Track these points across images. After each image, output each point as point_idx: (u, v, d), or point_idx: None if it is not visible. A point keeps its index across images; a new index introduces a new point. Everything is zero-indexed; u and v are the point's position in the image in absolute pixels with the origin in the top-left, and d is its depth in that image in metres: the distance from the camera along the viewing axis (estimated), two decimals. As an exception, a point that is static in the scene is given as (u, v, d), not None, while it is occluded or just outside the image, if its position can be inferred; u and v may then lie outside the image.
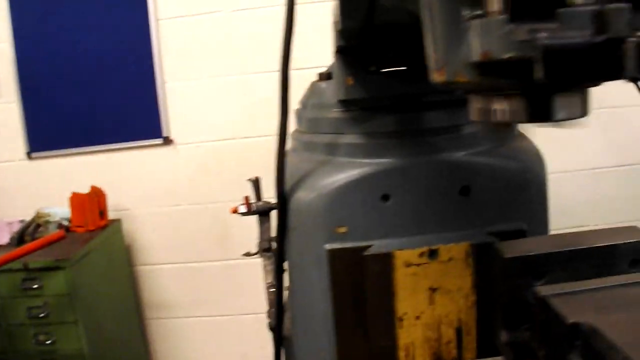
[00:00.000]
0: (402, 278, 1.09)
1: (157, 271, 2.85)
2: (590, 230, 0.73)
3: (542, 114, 0.51)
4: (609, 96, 2.49)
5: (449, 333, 1.13)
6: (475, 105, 0.57)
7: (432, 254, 1.08)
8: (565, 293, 0.57)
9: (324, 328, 1.17)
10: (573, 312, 0.51)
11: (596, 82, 0.48)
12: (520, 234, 1.12)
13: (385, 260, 1.08)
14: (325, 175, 1.12)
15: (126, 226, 2.79)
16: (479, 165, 1.08)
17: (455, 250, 1.08)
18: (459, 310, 1.11)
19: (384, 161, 1.09)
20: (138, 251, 2.84)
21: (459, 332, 1.13)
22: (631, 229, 0.72)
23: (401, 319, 1.11)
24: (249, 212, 1.46)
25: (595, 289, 0.57)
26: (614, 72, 0.44)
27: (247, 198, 1.45)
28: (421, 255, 1.08)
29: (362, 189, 1.09)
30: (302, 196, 1.14)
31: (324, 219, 1.11)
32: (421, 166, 1.08)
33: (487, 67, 0.49)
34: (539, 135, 2.56)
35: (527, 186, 1.12)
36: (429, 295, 1.10)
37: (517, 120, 0.53)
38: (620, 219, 2.65)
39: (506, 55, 0.46)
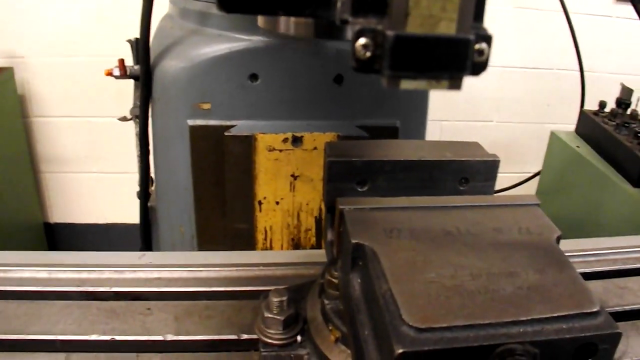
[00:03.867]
0: (264, 162, 1.06)
1: (53, 124, 2.71)
2: (430, 142, 0.71)
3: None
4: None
5: (308, 221, 1.13)
6: None
7: (296, 140, 1.05)
8: (371, 208, 0.54)
9: (185, 204, 1.15)
10: (362, 231, 0.49)
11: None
12: (392, 131, 1.10)
13: (247, 143, 1.04)
14: (193, 47, 1.04)
15: (20, 75, 2.60)
16: (354, 54, 1.02)
17: (320, 139, 1.05)
18: (320, 199, 1.11)
19: (255, 38, 1.01)
20: (32, 102, 2.67)
21: (318, 221, 1.13)
22: (473, 145, 0.70)
23: (260, 203, 1.10)
24: (124, 76, 1.36)
25: (401, 207, 0.55)
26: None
27: (121, 61, 1.35)
28: (284, 141, 1.04)
29: (230, 65, 1.02)
30: (168, 66, 1.06)
31: (188, 92, 1.04)
32: (295, 48, 1.02)
33: None
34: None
35: (403, 81, 1.08)
36: (290, 182, 1.08)
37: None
38: (522, 120, 2.72)
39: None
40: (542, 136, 2.09)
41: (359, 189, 0.64)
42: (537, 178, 2.11)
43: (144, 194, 1.29)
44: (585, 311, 0.43)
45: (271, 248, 1.14)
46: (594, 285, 0.83)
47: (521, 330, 0.41)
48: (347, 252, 0.49)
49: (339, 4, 0.40)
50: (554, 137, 1.94)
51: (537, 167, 2.10)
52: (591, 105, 1.93)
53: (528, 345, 0.40)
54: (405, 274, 0.44)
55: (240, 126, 1.04)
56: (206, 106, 1.04)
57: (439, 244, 0.48)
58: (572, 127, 1.94)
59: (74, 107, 2.67)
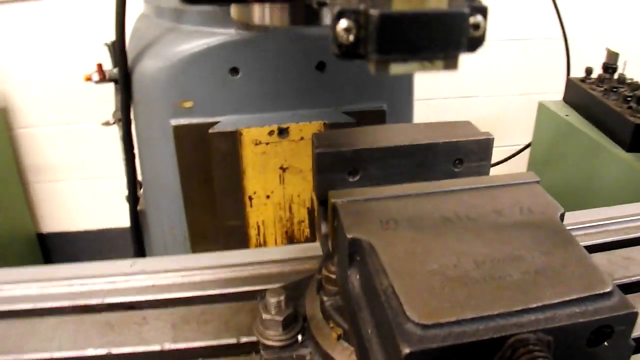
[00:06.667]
0: (251, 156, 1.04)
1: (37, 134, 2.66)
2: (421, 124, 0.69)
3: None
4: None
5: (300, 213, 1.11)
6: None
7: (282, 132, 1.02)
8: (365, 200, 0.52)
9: (174, 205, 1.12)
10: (358, 225, 0.47)
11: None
12: (379, 115, 1.08)
13: (232, 138, 1.02)
14: (169, 45, 1.01)
15: (0, 88, 2.55)
16: (335, 39, 1.00)
17: (307, 129, 1.03)
18: (311, 190, 1.08)
19: (232, 32, 0.98)
20: (15, 114, 2.62)
21: (311, 212, 1.11)
22: (465, 124, 0.68)
23: (251, 198, 1.08)
24: (103, 80, 1.33)
25: (395, 196, 0.53)
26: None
27: (99, 65, 1.31)
28: (270, 133, 1.02)
29: (209, 60, 0.99)
30: (146, 66, 1.03)
31: (168, 92, 1.02)
32: (274, 38, 0.99)
33: None
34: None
35: (387, 63, 1.05)
36: (280, 174, 1.06)
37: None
38: (509, 92, 2.70)
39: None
40: (530, 107, 2.07)
41: (351, 179, 0.61)
42: (528, 150, 2.09)
43: (132, 198, 1.26)
44: (598, 292, 0.41)
45: (265, 243, 1.12)
46: (598, 258, 0.81)
47: (533, 318, 0.39)
48: (344, 247, 0.47)
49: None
50: (542, 107, 1.93)
51: (527, 140, 2.08)
52: (577, 72, 1.91)
53: (541, 334, 0.38)
54: (405, 267, 0.41)
55: (224, 122, 1.02)
56: (188, 104, 1.01)
57: (439, 232, 0.46)
58: (559, 96, 1.92)
59: (57, 115, 2.63)
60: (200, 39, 0.99)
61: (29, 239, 2.84)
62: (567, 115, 1.81)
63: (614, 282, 0.72)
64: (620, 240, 0.86)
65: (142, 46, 1.05)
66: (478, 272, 0.41)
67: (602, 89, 1.76)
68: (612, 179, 1.61)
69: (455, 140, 0.62)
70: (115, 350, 0.66)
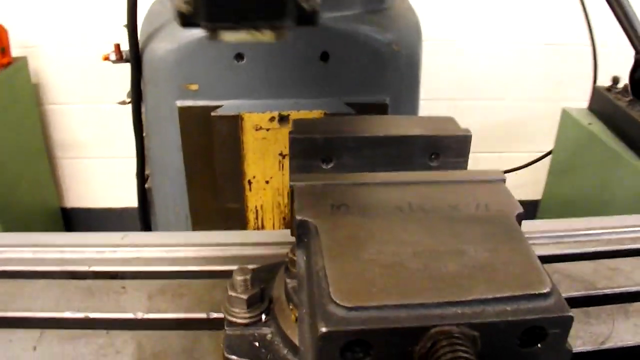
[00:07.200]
0: (252, 141, 1.05)
1: (66, 110, 2.74)
2: (402, 117, 0.69)
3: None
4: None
5: (299, 200, 1.12)
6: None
7: (283, 119, 1.03)
8: (324, 185, 0.53)
9: (178, 185, 1.15)
10: (308, 208, 0.48)
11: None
12: (381, 108, 1.08)
13: (234, 122, 1.04)
14: (179, 28, 1.02)
15: (34, 64, 2.62)
16: (340, 31, 1.00)
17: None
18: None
19: (240, 16, 0.99)
20: (46, 90, 2.70)
21: (309, 200, 1.12)
22: (447, 120, 0.68)
23: (250, 182, 1.09)
24: (120, 60, 1.36)
25: (355, 183, 0.54)
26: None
27: (117, 45, 1.35)
28: (271, 120, 1.03)
29: (215, 45, 1.01)
30: (156, 48, 1.06)
31: (175, 73, 1.04)
32: (280, 25, 1.00)
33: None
34: (463, 5, 2.45)
35: (394, 59, 1.06)
36: (279, 160, 1.07)
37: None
38: (534, 97, 2.65)
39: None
40: (555, 114, 2.04)
41: (324, 167, 0.62)
42: (549, 157, 2.06)
43: (140, 176, 1.29)
44: (533, 292, 0.41)
45: (263, 227, 1.14)
46: (584, 266, 0.80)
47: (459, 311, 0.39)
48: (294, 228, 0.48)
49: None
50: (565, 114, 1.89)
51: (550, 146, 2.05)
52: (605, 80, 1.87)
53: (465, 328, 0.38)
54: (343, 250, 0.42)
55: (227, 106, 1.03)
56: (194, 87, 1.04)
57: (387, 220, 0.47)
58: (585, 104, 1.89)
59: (84, 93, 2.69)
60: (209, 23, 1.00)
61: (53, 212, 2.92)
62: (590, 124, 1.78)
63: (596, 291, 0.72)
64: (611, 251, 0.85)
65: (153, 28, 1.07)
66: (414, 261, 0.42)
67: (627, 99, 1.72)
68: (628, 190, 1.58)
69: (431, 134, 0.62)
70: (92, 315, 0.68)
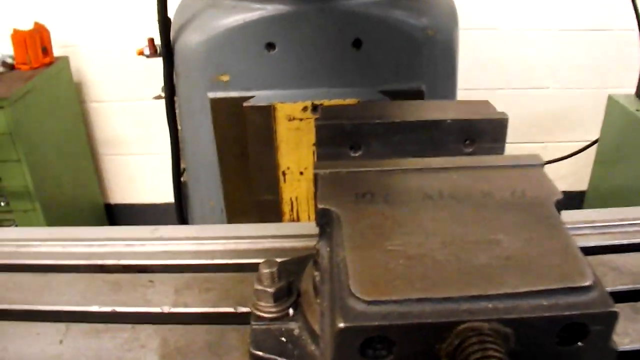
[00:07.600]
0: (285, 132, 1.03)
1: (107, 108, 2.79)
2: (436, 101, 0.66)
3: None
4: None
5: (333, 192, 1.10)
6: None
7: (315, 109, 1.01)
8: (348, 172, 0.50)
9: (212, 178, 1.14)
10: (332, 196, 0.46)
11: None
12: (417, 95, 1.04)
13: (267, 113, 1.02)
14: (209, 19, 1.02)
15: (75, 63, 2.68)
16: (373, 17, 0.97)
17: (341, 107, 1.01)
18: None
19: (270, 7, 0.98)
20: (88, 88, 2.75)
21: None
22: (481, 104, 0.64)
23: (284, 173, 1.08)
24: (154, 54, 1.36)
25: (383, 170, 0.51)
26: None
27: (151, 40, 1.35)
28: (304, 109, 1.01)
29: (246, 35, 0.99)
30: (187, 40, 1.05)
31: (206, 65, 1.03)
32: (310, 14, 0.98)
33: None
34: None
35: (429, 44, 1.02)
36: (313, 151, 1.05)
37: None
38: (580, 85, 2.55)
39: None
40: (600, 102, 1.95)
41: (353, 154, 0.60)
42: (596, 146, 1.98)
43: (176, 170, 1.29)
44: (572, 285, 0.37)
45: (298, 219, 1.12)
46: (632, 258, 0.75)
47: (490, 306, 0.36)
48: (317, 218, 0.46)
49: None
50: (611, 101, 1.81)
51: (595, 135, 1.97)
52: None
53: (497, 324, 0.35)
54: (366, 241, 0.40)
55: (259, 97, 1.02)
56: (225, 78, 1.02)
57: (415, 209, 0.44)
58: (633, 90, 1.80)
59: (124, 90, 2.73)
60: (239, 13, 0.99)
61: (97, 208, 2.98)
62: (638, 110, 1.70)
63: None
64: None
65: (184, 20, 1.06)
66: (442, 252, 0.39)
67: (679, 83, 1.63)
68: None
69: (464, 118, 0.59)
70: (119, 309, 0.68)
